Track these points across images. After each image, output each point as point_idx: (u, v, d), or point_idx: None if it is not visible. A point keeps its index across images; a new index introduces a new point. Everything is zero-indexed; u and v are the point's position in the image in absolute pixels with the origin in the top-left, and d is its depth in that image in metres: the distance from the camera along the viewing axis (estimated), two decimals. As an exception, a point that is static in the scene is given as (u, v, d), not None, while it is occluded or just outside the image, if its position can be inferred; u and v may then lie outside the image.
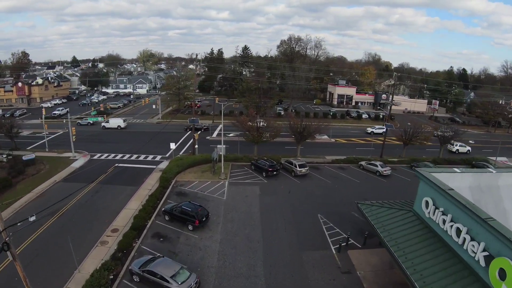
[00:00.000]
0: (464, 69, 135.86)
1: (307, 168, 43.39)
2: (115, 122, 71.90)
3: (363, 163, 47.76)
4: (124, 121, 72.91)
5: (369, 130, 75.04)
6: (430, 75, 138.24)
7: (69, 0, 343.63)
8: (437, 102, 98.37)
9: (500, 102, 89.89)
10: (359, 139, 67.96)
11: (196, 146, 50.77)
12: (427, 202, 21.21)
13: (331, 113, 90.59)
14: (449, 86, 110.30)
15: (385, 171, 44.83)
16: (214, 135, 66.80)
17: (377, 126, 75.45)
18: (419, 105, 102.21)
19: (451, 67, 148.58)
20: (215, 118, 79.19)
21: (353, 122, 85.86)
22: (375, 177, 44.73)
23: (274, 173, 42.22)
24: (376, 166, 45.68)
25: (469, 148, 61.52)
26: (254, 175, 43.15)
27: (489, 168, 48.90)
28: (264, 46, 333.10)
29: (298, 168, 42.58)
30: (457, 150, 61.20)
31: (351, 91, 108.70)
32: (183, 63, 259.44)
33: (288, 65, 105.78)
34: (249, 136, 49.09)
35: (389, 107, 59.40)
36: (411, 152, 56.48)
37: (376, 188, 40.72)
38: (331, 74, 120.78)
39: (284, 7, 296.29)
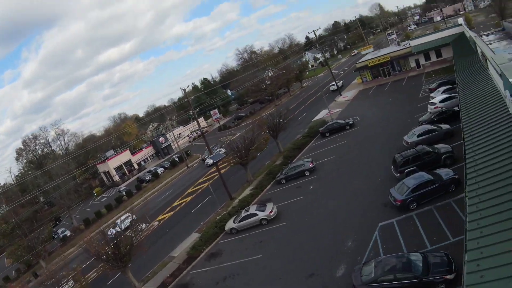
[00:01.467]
0: (205, 78, 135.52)
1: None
2: None
3: (233, 224, 28.39)
4: None
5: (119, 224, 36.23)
6: (181, 103, 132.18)
7: None
8: (216, 110, 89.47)
9: (265, 75, 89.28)
10: (179, 201, 47.57)
11: None
12: None
13: (124, 193, 65.90)
14: (208, 96, 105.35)
15: (271, 212, 27.19)
16: None
17: (122, 218, 40.78)
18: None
19: (193, 82, 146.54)
20: None
21: (155, 185, 64.75)
22: (267, 230, 26.47)
23: None
24: (255, 214, 27.33)
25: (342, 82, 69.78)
26: None
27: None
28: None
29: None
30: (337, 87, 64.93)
31: (125, 156, 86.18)
32: None
33: (38, 173, 72.45)
34: None
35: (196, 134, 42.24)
36: (254, 168, 41.81)
37: (291, 247, 22.60)
38: (90, 156, 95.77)
39: (7, 127, 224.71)
